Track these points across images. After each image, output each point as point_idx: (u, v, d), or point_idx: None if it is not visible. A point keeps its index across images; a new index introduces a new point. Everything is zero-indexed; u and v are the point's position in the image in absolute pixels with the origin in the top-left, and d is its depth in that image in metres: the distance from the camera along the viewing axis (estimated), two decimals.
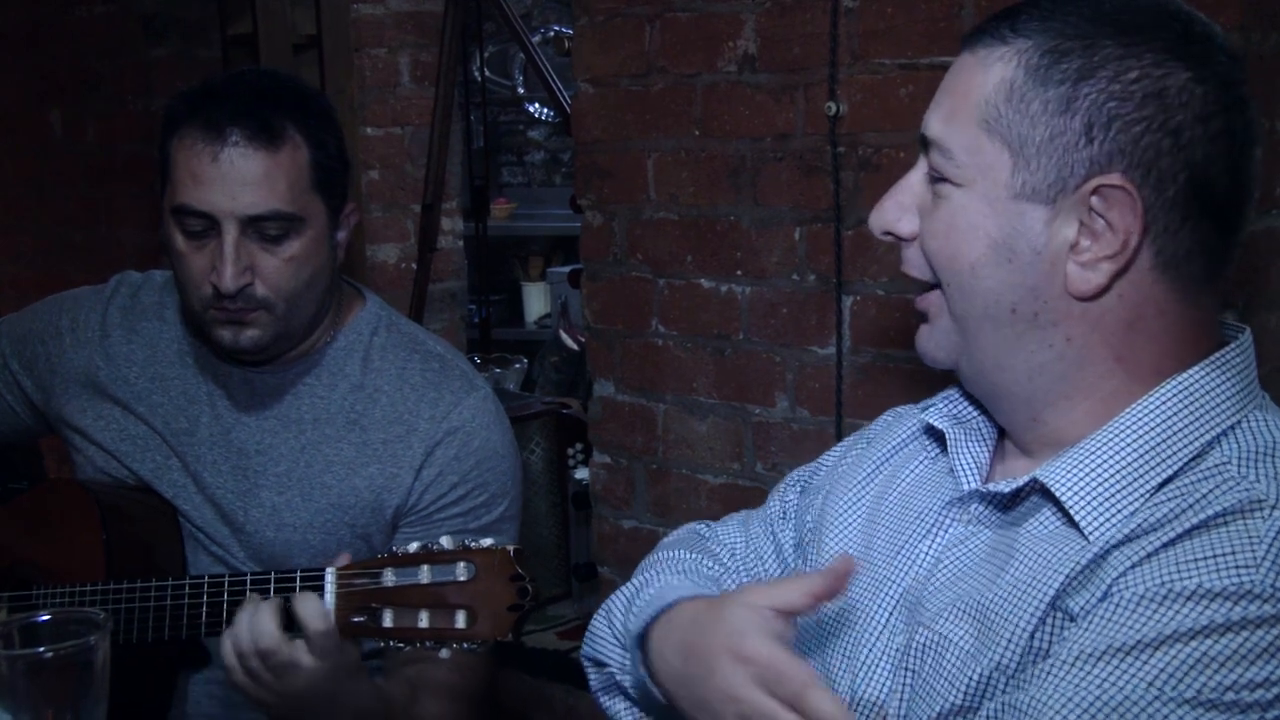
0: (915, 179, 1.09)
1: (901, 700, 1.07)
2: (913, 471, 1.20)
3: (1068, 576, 0.98)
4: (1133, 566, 0.95)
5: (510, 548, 1.26)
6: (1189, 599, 0.90)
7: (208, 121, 1.52)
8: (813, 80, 1.85)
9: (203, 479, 1.66)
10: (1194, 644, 0.89)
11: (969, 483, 1.11)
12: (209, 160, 1.51)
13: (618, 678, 1.25)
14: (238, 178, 1.51)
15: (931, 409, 1.18)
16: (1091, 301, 1.00)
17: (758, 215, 1.94)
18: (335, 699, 1.35)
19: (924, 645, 1.06)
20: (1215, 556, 0.91)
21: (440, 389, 1.66)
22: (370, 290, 1.79)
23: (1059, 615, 0.98)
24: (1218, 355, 1.02)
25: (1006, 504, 1.07)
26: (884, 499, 1.20)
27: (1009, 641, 0.99)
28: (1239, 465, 0.98)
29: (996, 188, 1.01)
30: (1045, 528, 1.03)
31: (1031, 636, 0.98)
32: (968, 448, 1.13)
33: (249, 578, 1.38)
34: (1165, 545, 0.94)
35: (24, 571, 1.60)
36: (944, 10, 1.69)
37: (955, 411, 1.16)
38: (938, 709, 1.02)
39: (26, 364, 1.77)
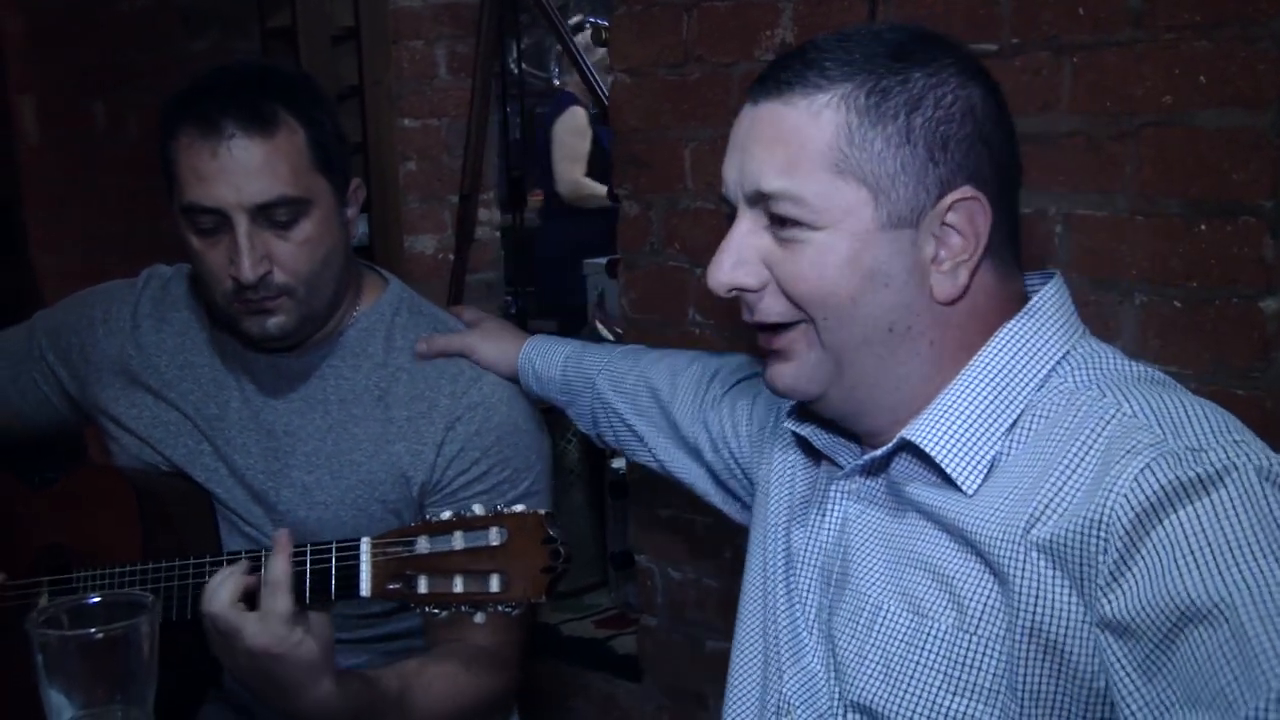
0: (745, 232, 1.13)
1: (832, 667, 1.16)
2: (783, 464, 1.31)
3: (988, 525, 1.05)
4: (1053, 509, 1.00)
5: (542, 511, 1.28)
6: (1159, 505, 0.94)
7: (202, 118, 1.52)
8: None
9: (234, 462, 1.68)
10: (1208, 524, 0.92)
11: (847, 459, 1.20)
12: (209, 156, 1.51)
13: None
14: (239, 169, 1.51)
15: (790, 419, 1.26)
16: (954, 304, 1.10)
17: None
18: (282, 681, 1.35)
19: (859, 615, 1.14)
20: (1126, 454, 0.97)
21: (460, 365, 1.69)
22: (392, 274, 1.81)
23: (1035, 553, 1.02)
24: (1034, 301, 1.13)
25: (879, 469, 1.17)
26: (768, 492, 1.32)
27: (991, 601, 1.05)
28: (1074, 381, 1.08)
29: (863, 223, 1.08)
30: (925, 484, 1.12)
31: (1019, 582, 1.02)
32: (835, 443, 1.22)
33: None
34: (1069, 477, 1.01)
35: (62, 555, 1.62)
36: None
37: (809, 415, 1.24)
38: (918, 682, 1.08)
39: (61, 356, 1.80)
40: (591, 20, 4.25)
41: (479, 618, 1.28)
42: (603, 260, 3.52)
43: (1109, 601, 0.95)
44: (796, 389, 1.16)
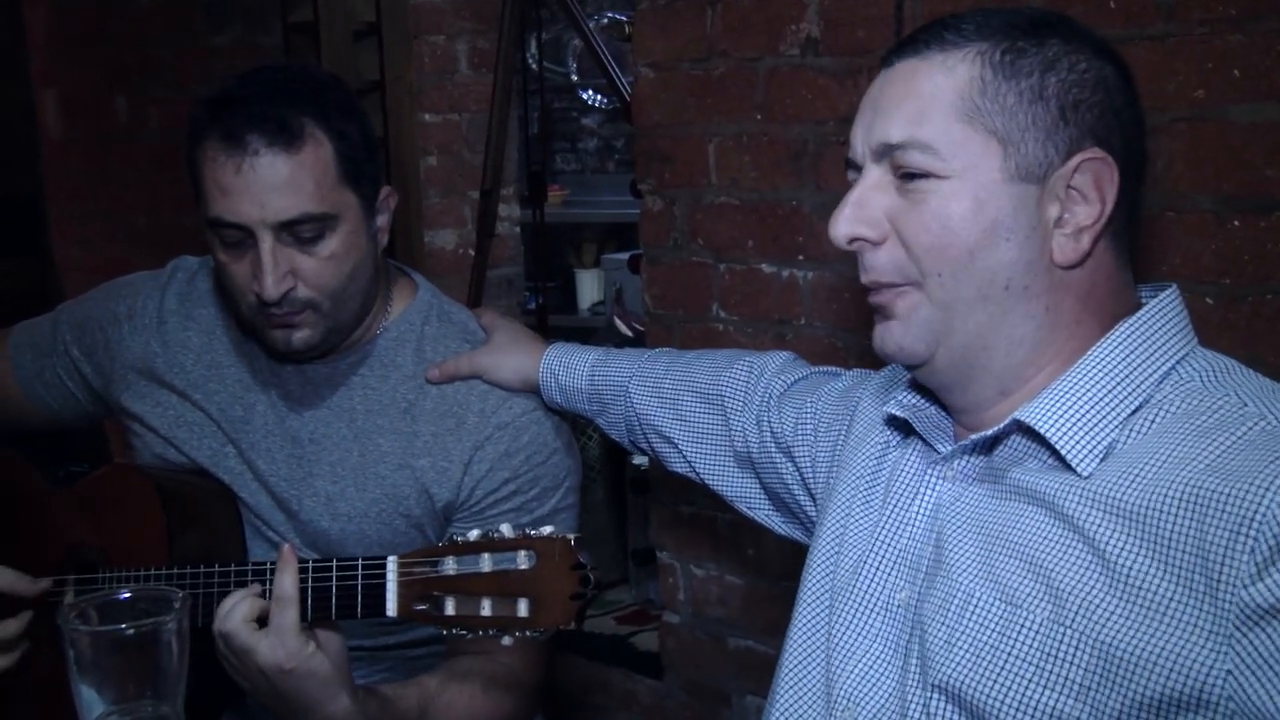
0: (869, 185, 1.15)
1: (913, 654, 1.14)
2: (874, 454, 1.30)
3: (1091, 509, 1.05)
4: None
5: (571, 536, 1.26)
6: None
7: (226, 132, 1.49)
8: (876, 64, 1.82)
9: (258, 467, 1.67)
10: None
11: (945, 446, 1.20)
12: (232, 172, 1.49)
13: None
14: (263, 185, 1.48)
15: (892, 401, 1.26)
16: (1072, 270, 1.12)
17: (820, 200, 1.93)
18: (298, 698, 1.34)
19: (949, 602, 1.12)
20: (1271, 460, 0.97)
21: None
22: (422, 276, 1.78)
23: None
24: (1157, 301, 1.13)
25: (983, 450, 1.16)
26: (856, 484, 1.31)
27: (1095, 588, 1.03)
28: (1202, 381, 1.09)
29: (991, 173, 1.09)
30: (1034, 468, 1.11)
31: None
32: (932, 431, 1.22)
33: (311, 564, 1.38)
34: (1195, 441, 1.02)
35: (87, 554, 1.62)
36: None
37: (910, 403, 1.24)
38: (1008, 668, 1.06)
39: (86, 350, 1.79)
40: (611, 15, 4.23)
41: (506, 640, 1.27)
42: (624, 255, 3.51)
43: (1258, 591, 0.95)
44: (904, 348, 1.16)
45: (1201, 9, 1.48)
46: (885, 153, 1.12)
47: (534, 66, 3.40)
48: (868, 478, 1.29)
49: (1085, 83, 1.09)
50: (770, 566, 2.09)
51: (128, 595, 1.10)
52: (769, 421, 1.50)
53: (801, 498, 1.48)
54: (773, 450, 1.49)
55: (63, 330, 1.81)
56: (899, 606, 1.18)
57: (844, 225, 1.15)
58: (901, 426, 1.27)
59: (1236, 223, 1.48)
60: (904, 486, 1.23)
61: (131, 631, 1.04)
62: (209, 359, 1.72)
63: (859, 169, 1.16)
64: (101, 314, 1.78)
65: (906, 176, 1.11)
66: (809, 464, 1.45)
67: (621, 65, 2.84)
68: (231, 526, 1.67)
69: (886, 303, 1.16)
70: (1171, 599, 0.99)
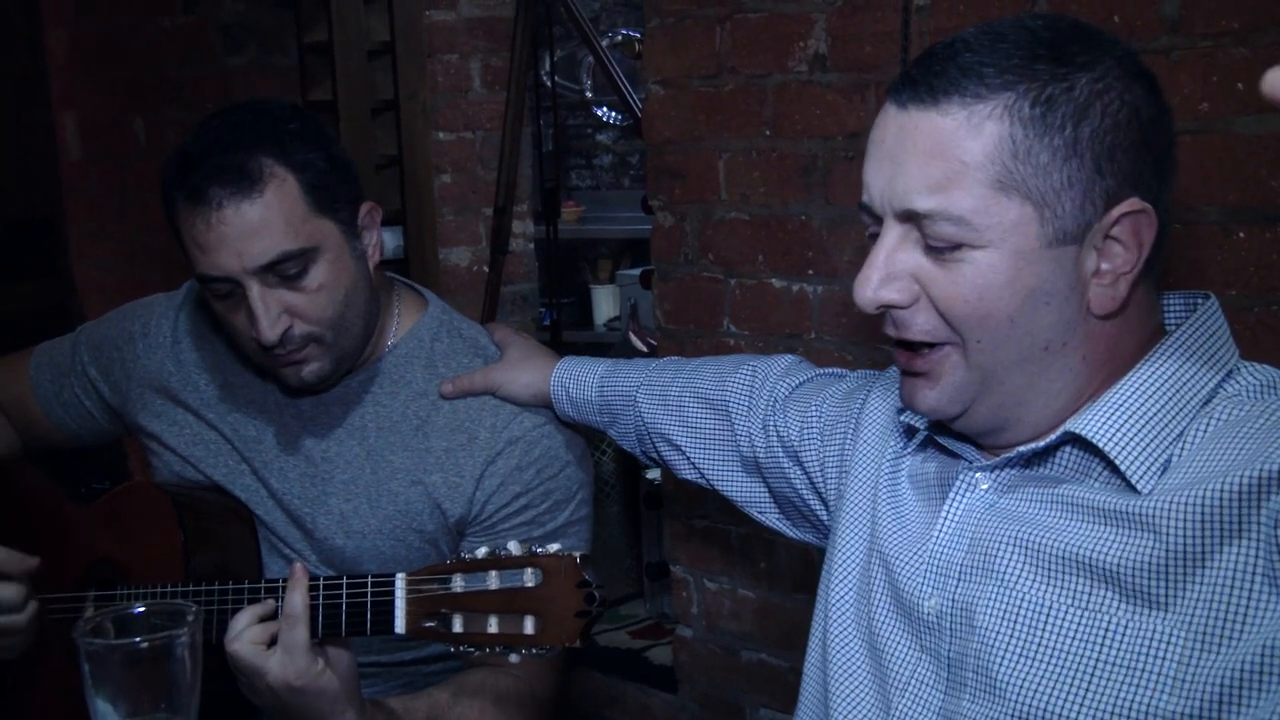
0: (891, 247, 1.09)
1: (965, 666, 1.11)
2: (890, 458, 1.28)
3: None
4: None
5: (577, 554, 1.26)
6: None
7: (191, 190, 1.50)
8: (884, 79, 1.84)
9: (272, 486, 1.68)
10: None
11: (974, 456, 1.17)
12: (204, 228, 1.50)
13: None
14: (235, 235, 1.49)
15: (909, 412, 1.23)
16: (1110, 318, 1.07)
17: (829, 214, 1.94)
18: (306, 714, 1.36)
19: (1017, 612, 1.08)
20: None
21: None
22: (432, 292, 1.79)
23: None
24: (1200, 315, 1.11)
25: (1025, 463, 1.13)
26: (878, 486, 1.29)
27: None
28: (1249, 394, 1.06)
29: (1029, 240, 1.04)
30: (1092, 487, 1.08)
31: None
32: (955, 443, 1.19)
33: (322, 582, 1.39)
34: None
35: (106, 570, 1.64)
36: (1016, 8, 1.68)
37: (931, 421, 1.22)
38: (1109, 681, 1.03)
39: (103, 370, 1.81)
40: (625, 33, 4.26)
41: (513, 658, 1.28)
42: (636, 271, 3.53)
43: None
44: (939, 409, 1.14)
45: (1205, 23, 1.48)
46: (911, 218, 1.07)
47: (548, 83, 3.42)
48: (887, 482, 1.27)
49: (1119, 124, 1.03)
50: (783, 579, 2.09)
51: (141, 610, 1.11)
52: (775, 426, 1.50)
53: (812, 502, 1.47)
54: (780, 455, 1.49)
55: (81, 350, 1.83)
56: (929, 613, 1.16)
57: (871, 292, 1.09)
58: (910, 433, 1.26)
59: (1241, 234, 1.49)
60: (929, 492, 1.21)
61: (145, 645, 1.06)
62: (222, 378, 1.74)
63: (876, 218, 1.11)
64: (118, 334, 1.80)
65: (937, 246, 1.06)
66: (817, 468, 1.44)
67: (634, 82, 2.86)
68: (248, 543, 1.69)
69: (925, 369, 1.12)
70: (1267, 573, 0.96)
